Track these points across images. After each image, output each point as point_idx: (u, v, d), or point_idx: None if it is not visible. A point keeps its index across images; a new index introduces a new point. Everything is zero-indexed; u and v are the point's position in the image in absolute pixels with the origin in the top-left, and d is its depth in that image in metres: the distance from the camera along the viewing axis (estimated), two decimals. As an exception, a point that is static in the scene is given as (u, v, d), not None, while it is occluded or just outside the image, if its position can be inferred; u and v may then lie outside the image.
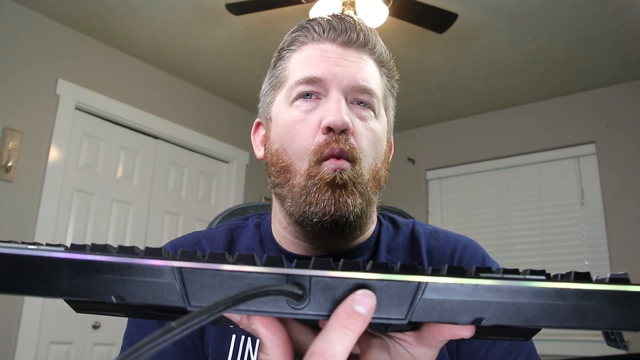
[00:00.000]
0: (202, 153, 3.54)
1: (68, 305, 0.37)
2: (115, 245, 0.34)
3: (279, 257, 0.32)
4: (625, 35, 2.75)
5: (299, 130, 0.65)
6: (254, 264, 0.31)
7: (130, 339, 0.69)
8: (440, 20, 2.43)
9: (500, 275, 0.31)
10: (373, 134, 0.67)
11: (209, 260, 0.31)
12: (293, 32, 0.72)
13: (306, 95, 0.67)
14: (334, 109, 0.64)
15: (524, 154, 3.57)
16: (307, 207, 0.63)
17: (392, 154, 0.78)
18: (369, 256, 0.72)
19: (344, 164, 0.63)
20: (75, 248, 0.32)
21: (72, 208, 2.82)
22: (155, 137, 3.28)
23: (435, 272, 0.32)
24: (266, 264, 0.31)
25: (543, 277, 0.31)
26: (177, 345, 0.68)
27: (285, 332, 0.34)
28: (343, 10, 2.34)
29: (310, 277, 0.31)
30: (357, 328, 0.30)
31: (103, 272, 0.31)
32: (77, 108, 2.87)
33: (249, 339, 0.66)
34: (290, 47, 0.72)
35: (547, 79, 3.27)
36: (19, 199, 2.55)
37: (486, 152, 3.72)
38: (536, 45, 2.88)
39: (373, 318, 0.31)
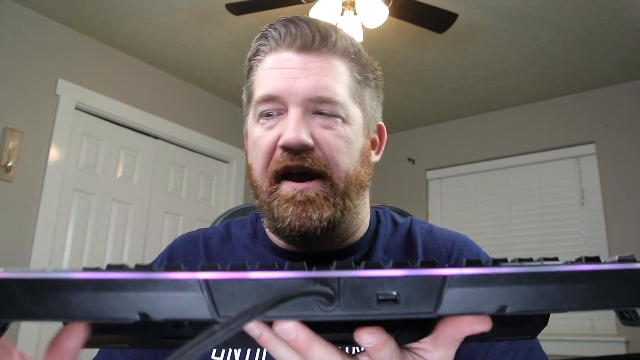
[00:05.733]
0: (202, 153, 3.54)
1: None
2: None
3: (301, 263, 0.32)
4: (625, 35, 2.75)
5: (261, 147, 0.66)
6: (276, 270, 0.31)
7: None
8: (440, 20, 2.42)
9: (519, 264, 0.32)
10: (342, 139, 0.65)
11: (232, 270, 0.31)
12: (257, 40, 0.72)
13: (267, 115, 0.67)
14: (290, 127, 0.63)
15: (524, 154, 3.57)
16: (274, 223, 0.64)
17: (384, 142, 0.77)
18: (362, 255, 0.71)
19: (307, 186, 0.63)
20: (90, 270, 0.31)
21: (72, 208, 2.82)
22: (155, 137, 3.28)
23: (454, 265, 0.33)
24: (289, 269, 0.31)
25: (560, 262, 0.32)
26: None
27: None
28: (343, 10, 2.34)
29: (339, 278, 0.31)
30: None
31: (126, 289, 0.30)
32: (77, 108, 2.87)
33: None
34: (256, 57, 0.72)
35: (547, 79, 3.27)
36: (19, 199, 2.55)
37: (486, 152, 3.72)
38: (536, 45, 2.88)
39: (403, 314, 0.31)
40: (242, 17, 2.56)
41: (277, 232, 0.65)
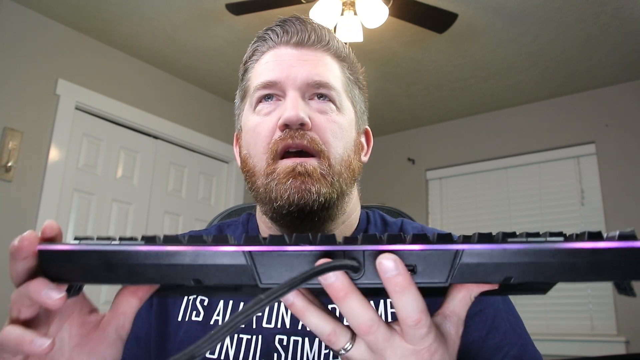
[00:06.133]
0: (202, 153, 3.54)
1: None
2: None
3: (332, 235, 0.35)
4: (625, 35, 2.75)
5: (260, 132, 0.67)
6: (310, 243, 0.35)
7: None
8: (440, 20, 2.42)
9: (524, 239, 0.35)
10: (337, 125, 0.68)
11: (272, 243, 0.35)
12: (253, 44, 0.75)
13: (266, 98, 0.69)
14: (289, 107, 0.65)
15: (524, 154, 3.57)
16: (274, 203, 0.64)
17: (370, 146, 0.78)
18: None
19: (306, 160, 0.64)
20: (148, 240, 0.36)
21: (72, 208, 2.82)
22: (155, 137, 3.28)
23: (467, 239, 0.35)
24: (321, 242, 0.35)
25: (562, 239, 0.35)
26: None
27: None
28: (343, 10, 2.34)
29: (364, 251, 0.35)
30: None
31: (183, 259, 0.35)
32: (77, 108, 2.87)
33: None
34: (252, 59, 0.74)
35: (547, 79, 3.27)
36: (19, 199, 2.55)
37: (486, 152, 3.72)
38: (536, 45, 2.88)
39: (419, 283, 0.35)
40: (242, 17, 2.56)
41: (275, 212, 0.65)
